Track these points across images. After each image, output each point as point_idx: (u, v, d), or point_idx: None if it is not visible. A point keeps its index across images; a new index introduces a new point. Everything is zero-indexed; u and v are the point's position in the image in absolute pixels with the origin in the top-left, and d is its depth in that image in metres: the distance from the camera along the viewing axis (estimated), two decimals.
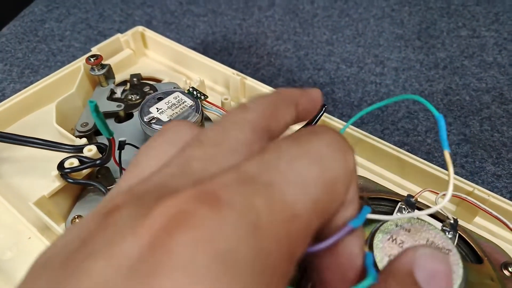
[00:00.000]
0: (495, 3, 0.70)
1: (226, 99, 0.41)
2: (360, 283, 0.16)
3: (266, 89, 0.42)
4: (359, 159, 0.39)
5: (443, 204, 0.20)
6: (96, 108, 0.22)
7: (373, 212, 0.31)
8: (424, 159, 0.36)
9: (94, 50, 0.45)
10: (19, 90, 0.41)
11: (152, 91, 0.43)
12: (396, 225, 0.26)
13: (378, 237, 0.25)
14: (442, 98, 0.53)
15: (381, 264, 0.24)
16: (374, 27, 0.65)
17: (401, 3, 0.71)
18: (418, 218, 0.27)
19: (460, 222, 0.33)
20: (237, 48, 0.62)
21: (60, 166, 0.30)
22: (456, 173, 0.43)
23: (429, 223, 0.26)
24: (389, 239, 0.25)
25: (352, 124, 0.38)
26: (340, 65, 0.58)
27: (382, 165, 0.38)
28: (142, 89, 0.43)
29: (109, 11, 0.70)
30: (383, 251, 0.24)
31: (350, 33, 0.64)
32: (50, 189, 0.31)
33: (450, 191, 0.19)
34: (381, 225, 0.26)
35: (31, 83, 0.45)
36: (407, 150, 0.38)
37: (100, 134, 0.39)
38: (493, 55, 0.60)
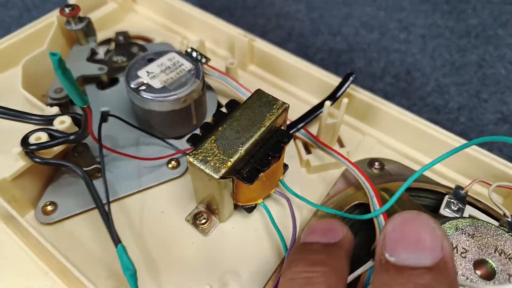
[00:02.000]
0: None
1: (231, 63, 0.34)
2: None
3: (279, 53, 0.35)
4: (391, 140, 0.32)
5: None
6: (61, 64, 0.15)
7: (413, 205, 0.25)
8: None
9: (71, 1, 0.38)
10: None
11: (141, 52, 0.36)
12: (457, 228, 0.20)
13: None
14: (475, 71, 0.46)
15: None
16: None
17: None
18: (479, 219, 0.21)
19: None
20: (241, 7, 0.54)
21: (24, 141, 0.24)
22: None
23: (496, 227, 0.20)
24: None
25: (378, 97, 0.32)
26: (359, 30, 0.51)
27: (417, 148, 0.32)
28: (130, 50, 0.36)
29: None
30: None
31: None
32: (13, 170, 0.24)
33: None
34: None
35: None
36: None
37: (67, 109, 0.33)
38: None
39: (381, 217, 0.23)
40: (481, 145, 0.29)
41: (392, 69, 0.46)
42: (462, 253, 0.19)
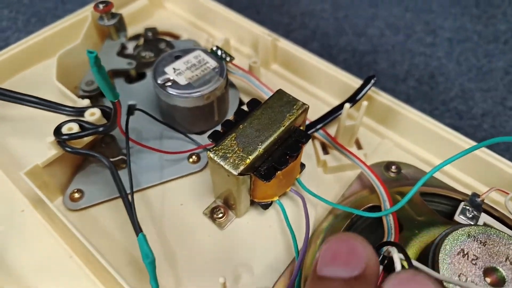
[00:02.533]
0: None
1: (255, 62, 0.35)
2: None
3: (301, 53, 0.36)
4: (409, 144, 0.33)
5: None
6: (96, 61, 0.17)
7: (431, 213, 0.25)
8: None
9: None
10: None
11: (168, 48, 0.37)
12: (469, 235, 0.20)
13: (445, 250, 0.20)
14: (502, 78, 0.46)
15: (449, 286, 0.18)
16: None
17: None
18: (492, 227, 0.21)
19: None
20: (267, 5, 0.55)
21: (57, 131, 0.25)
22: None
23: (509, 236, 0.20)
24: (459, 253, 0.20)
25: (398, 100, 0.32)
26: (384, 31, 0.51)
27: (435, 153, 0.32)
28: (158, 46, 0.37)
29: None
30: (452, 269, 0.19)
31: None
32: (45, 158, 0.26)
33: None
34: (448, 235, 0.20)
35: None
36: None
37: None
38: None
39: (391, 218, 0.24)
40: (500, 152, 0.29)
41: (415, 72, 0.46)
42: (472, 259, 0.19)
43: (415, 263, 0.18)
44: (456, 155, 0.23)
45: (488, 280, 0.19)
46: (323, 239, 0.26)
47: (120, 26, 0.36)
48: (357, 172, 0.31)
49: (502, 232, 0.20)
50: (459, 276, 0.19)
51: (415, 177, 0.29)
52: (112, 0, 0.36)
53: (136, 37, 0.39)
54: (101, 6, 0.33)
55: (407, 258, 0.19)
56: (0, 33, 0.50)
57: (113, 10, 0.35)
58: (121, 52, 0.36)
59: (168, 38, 0.39)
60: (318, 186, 0.29)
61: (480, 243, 0.20)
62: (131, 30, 0.40)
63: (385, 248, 0.21)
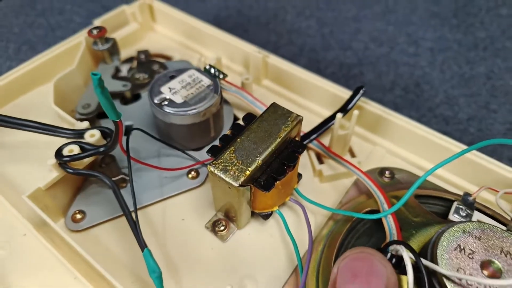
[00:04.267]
0: None
1: (247, 79, 0.36)
2: None
3: (291, 68, 0.37)
4: (400, 150, 0.34)
5: None
6: (100, 83, 0.17)
7: (426, 214, 0.26)
8: None
9: (97, 22, 0.40)
10: (15, 67, 0.37)
11: (162, 70, 0.38)
12: (464, 231, 0.21)
13: (443, 246, 0.20)
14: (484, 83, 0.47)
15: (448, 282, 0.19)
16: (406, 4, 0.59)
17: None
18: (485, 223, 0.22)
19: None
20: (254, 24, 0.57)
21: (58, 153, 0.25)
22: None
23: (502, 230, 0.21)
24: (456, 249, 0.20)
25: (388, 109, 0.33)
26: (368, 44, 0.53)
27: (425, 157, 0.33)
28: (151, 67, 0.38)
29: None
30: (451, 264, 0.20)
31: (379, 9, 0.58)
32: (47, 181, 0.26)
33: None
34: (444, 232, 0.21)
35: (28, 60, 0.40)
36: None
37: (105, 117, 0.35)
38: None
39: (391, 219, 0.25)
40: (489, 153, 0.30)
41: (401, 82, 0.47)
42: (469, 254, 0.20)
43: (423, 261, 0.19)
44: (449, 157, 0.24)
45: (486, 272, 0.20)
46: (324, 245, 0.26)
47: (114, 50, 0.37)
48: (352, 179, 0.32)
49: (495, 226, 0.21)
50: (457, 270, 0.19)
51: (408, 181, 0.30)
52: (104, 24, 0.38)
53: (129, 60, 0.40)
54: (95, 31, 0.34)
55: (415, 254, 0.19)
56: None
57: (106, 35, 0.36)
58: (116, 75, 0.37)
59: (160, 60, 0.40)
60: (315, 195, 0.30)
61: (475, 238, 0.21)
62: (124, 53, 0.41)
63: (392, 248, 0.21)
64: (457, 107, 0.44)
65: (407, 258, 0.19)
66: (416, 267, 0.20)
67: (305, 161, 0.33)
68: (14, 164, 0.32)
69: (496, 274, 0.20)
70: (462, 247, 0.20)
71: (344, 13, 0.58)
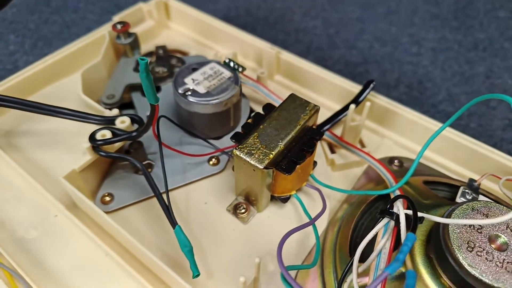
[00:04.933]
0: None
1: (262, 73, 0.38)
2: None
3: (303, 64, 0.39)
4: (407, 142, 0.36)
5: None
6: (146, 68, 0.19)
7: (435, 197, 0.28)
8: None
9: (115, 19, 0.42)
10: (32, 63, 0.38)
11: (180, 64, 0.40)
12: (473, 209, 0.23)
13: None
14: (483, 81, 0.50)
15: (459, 252, 0.21)
16: (408, 6, 0.62)
17: None
18: (492, 202, 0.24)
19: None
20: (262, 24, 0.59)
21: (92, 138, 0.27)
22: None
23: (508, 208, 0.23)
24: (465, 225, 0.22)
25: (395, 102, 0.35)
26: (373, 44, 0.55)
27: (431, 148, 0.35)
28: (169, 62, 0.40)
29: None
30: (461, 238, 0.22)
31: (382, 11, 0.61)
32: (81, 163, 0.28)
33: None
34: (454, 210, 0.23)
35: (45, 55, 0.42)
36: None
37: (127, 107, 0.36)
38: None
39: (399, 204, 0.26)
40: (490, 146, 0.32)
41: (405, 80, 0.50)
42: (478, 229, 0.22)
43: (420, 214, 0.21)
44: (432, 135, 0.26)
45: (493, 246, 0.22)
46: (340, 227, 0.28)
47: (135, 44, 0.39)
48: (362, 168, 0.34)
49: (501, 205, 0.23)
50: (467, 243, 0.21)
51: (420, 171, 0.32)
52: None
53: (148, 54, 0.41)
54: (119, 26, 0.36)
55: (413, 208, 0.21)
56: (8, 56, 0.52)
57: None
58: (137, 69, 0.38)
59: (178, 55, 0.42)
60: (328, 182, 0.32)
61: (483, 214, 0.23)
62: (142, 49, 0.42)
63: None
64: (458, 103, 0.47)
65: (402, 213, 0.21)
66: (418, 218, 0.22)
67: (318, 151, 0.34)
68: (44, 151, 0.33)
69: (503, 247, 0.22)
70: (471, 224, 0.22)
71: (349, 14, 0.60)
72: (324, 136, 0.35)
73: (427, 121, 0.34)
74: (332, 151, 0.35)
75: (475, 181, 0.29)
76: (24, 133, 0.35)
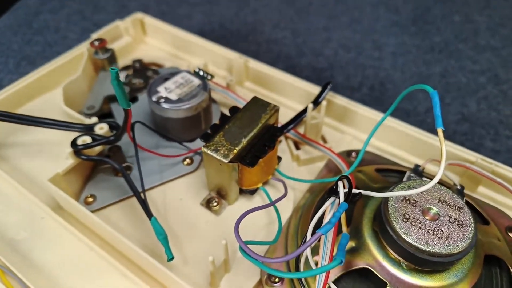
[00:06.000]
0: None
1: (231, 80, 0.42)
2: (326, 265, 0.18)
3: (268, 70, 0.43)
4: (361, 135, 0.39)
5: (440, 172, 0.21)
6: (117, 76, 0.22)
7: (384, 181, 0.31)
8: None
9: (94, 36, 0.45)
10: (16, 80, 0.41)
11: (155, 76, 0.43)
12: (409, 187, 0.26)
13: (392, 199, 0.26)
14: (439, 80, 0.54)
15: (396, 223, 0.24)
16: (370, 14, 0.66)
17: None
18: (426, 180, 0.27)
19: (465, 191, 0.34)
20: (235, 36, 0.62)
21: (74, 143, 0.30)
22: None
23: (439, 184, 0.27)
24: (402, 200, 0.26)
25: (352, 101, 0.39)
26: (338, 50, 0.59)
27: (385, 140, 0.39)
28: (145, 74, 0.43)
29: (104, 2, 0.69)
30: (398, 211, 0.25)
31: (347, 20, 0.65)
32: (64, 167, 0.31)
33: (442, 165, 0.22)
34: (393, 188, 0.26)
35: (28, 73, 0.45)
36: None
37: (106, 117, 0.39)
38: (486, 38, 0.62)
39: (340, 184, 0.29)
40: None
41: (367, 82, 0.54)
42: (413, 203, 0.25)
43: (356, 190, 0.25)
44: (376, 124, 0.30)
45: (427, 216, 0.25)
46: (302, 213, 0.31)
47: (112, 59, 0.42)
48: (324, 162, 0.37)
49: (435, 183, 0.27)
50: (403, 215, 0.25)
51: (371, 160, 0.36)
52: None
53: (125, 68, 0.45)
54: (96, 42, 0.39)
55: (350, 184, 0.24)
56: None
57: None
58: None
59: (153, 67, 0.45)
60: (294, 176, 0.35)
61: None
62: (120, 63, 0.45)
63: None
64: (416, 101, 0.51)
65: (341, 189, 0.24)
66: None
67: (284, 148, 0.38)
68: (29, 160, 0.36)
69: (435, 217, 0.25)
70: (407, 199, 0.26)
71: (315, 24, 0.64)
72: (289, 134, 0.38)
73: (380, 116, 0.38)
74: (297, 148, 0.38)
75: (419, 166, 0.32)
76: (10, 145, 0.37)
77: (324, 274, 0.23)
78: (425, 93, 0.52)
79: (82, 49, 0.42)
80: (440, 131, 0.23)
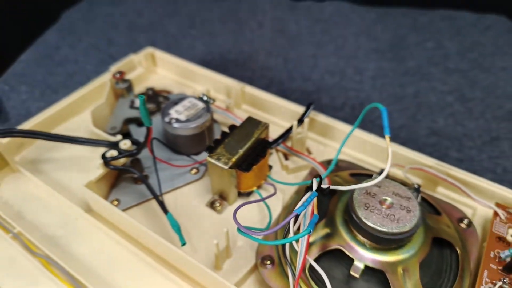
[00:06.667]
0: (456, 19, 0.81)
1: (230, 103, 0.49)
2: (299, 234, 0.25)
3: (262, 94, 0.50)
4: (344, 149, 0.46)
5: (387, 168, 0.29)
6: (144, 102, 0.30)
7: (353, 181, 0.38)
8: None
9: (113, 69, 0.53)
10: (43, 108, 0.48)
11: (166, 101, 0.51)
12: (367, 182, 0.33)
13: (357, 192, 0.33)
14: (411, 100, 0.62)
15: (359, 210, 0.31)
16: (352, 42, 0.75)
17: (374, 21, 0.81)
18: (387, 179, 0.34)
19: (424, 191, 0.41)
20: (233, 64, 0.71)
21: (103, 156, 0.37)
22: None
23: (395, 181, 0.34)
24: (364, 193, 0.33)
25: (332, 119, 0.47)
26: (324, 75, 0.67)
27: (361, 151, 0.46)
28: (157, 99, 0.51)
29: (117, 37, 0.78)
30: (361, 201, 0.32)
31: (332, 48, 0.74)
32: (96, 175, 0.38)
33: (389, 163, 0.30)
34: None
35: (52, 101, 0.52)
36: None
37: (126, 137, 0.47)
38: (455, 62, 0.70)
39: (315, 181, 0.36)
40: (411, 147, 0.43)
41: (349, 102, 0.61)
42: (373, 195, 0.32)
43: (325, 185, 0.32)
44: (346, 136, 0.37)
45: (384, 206, 0.32)
46: (289, 211, 0.38)
47: (129, 87, 0.50)
48: (308, 170, 0.44)
49: (391, 180, 0.34)
50: (365, 204, 0.32)
51: (348, 167, 0.43)
52: (116, 70, 0.51)
53: (140, 94, 0.52)
54: (118, 75, 0.47)
55: (320, 179, 0.31)
56: (22, 104, 0.62)
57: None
58: (132, 106, 0.49)
59: (163, 94, 0.53)
60: (282, 181, 0.42)
61: (377, 186, 0.33)
62: (135, 90, 0.53)
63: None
64: (391, 119, 0.58)
65: (315, 183, 0.31)
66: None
67: (275, 159, 0.45)
68: (62, 172, 0.43)
69: (390, 206, 0.32)
70: (368, 192, 0.33)
71: (305, 52, 0.73)
72: (279, 147, 0.45)
73: (357, 131, 0.45)
74: (286, 158, 0.45)
75: (384, 169, 0.39)
76: (45, 161, 0.45)
77: (303, 251, 0.29)
78: (400, 112, 0.59)
79: (104, 80, 0.50)
80: (387, 137, 0.30)
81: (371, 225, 0.30)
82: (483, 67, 0.68)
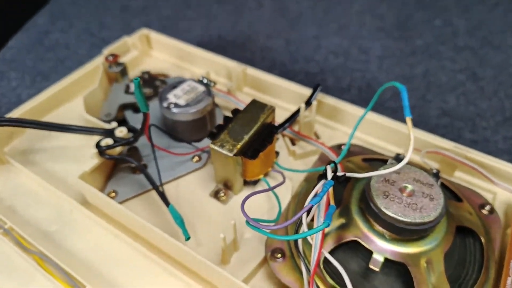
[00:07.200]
0: None
1: (231, 86, 0.46)
2: (316, 228, 0.23)
3: (265, 76, 0.47)
4: (358, 133, 0.44)
5: (409, 153, 0.26)
6: (139, 85, 0.27)
7: (370, 169, 0.36)
8: None
9: (106, 52, 0.50)
10: (34, 95, 0.45)
11: (163, 85, 0.48)
12: (385, 169, 0.31)
13: (374, 179, 0.30)
14: (421, 80, 0.59)
15: (378, 199, 0.29)
16: (356, 22, 0.71)
17: None
18: (407, 164, 0.32)
19: (442, 176, 0.38)
20: (231, 46, 0.67)
21: (98, 145, 0.35)
22: None
23: (414, 167, 0.31)
24: (382, 180, 0.30)
25: (341, 100, 0.44)
26: (328, 56, 0.64)
27: (373, 135, 0.43)
28: (154, 84, 0.48)
29: (109, 20, 0.74)
30: (379, 189, 0.29)
31: (335, 27, 0.70)
32: (90, 166, 0.35)
33: (411, 147, 0.27)
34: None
35: (43, 88, 0.49)
36: None
37: (121, 124, 0.44)
38: (464, 40, 0.67)
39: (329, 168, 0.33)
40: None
41: (355, 84, 0.58)
42: (392, 183, 0.30)
43: (341, 173, 0.29)
44: (358, 119, 0.34)
45: (403, 193, 0.29)
46: (299, 199, 0.36)
47: (124, 71, 0.47)
48: (317, 156, 0.42)
49: (411, 166, 0.31)
50: (384, 193, 0.29)
51: (359, 152, 0.40)
52: (110, 53, 0.47)
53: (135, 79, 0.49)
54: (110, 57, 0.44)
55: (335, 167, 0.29)
56: (12, 91, 0.59)
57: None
58: (127, 91, 0.46)
59: (160, 78, 0.50)
60: (291, 168, 0.39)
61: (396, 173, 0.31)
62: (130, 74, 0.50)
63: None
64: (400, 100, 0.55)
65: (329, 170, 0.28)
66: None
67: (282, 144, 0.42)
68: (55, 163, 0.40)
69: (410, 194, 0.29)
70: (387, 179, 0.30)
71: (307, 33, 0.69)
72: (285, 132, 0.43)
73: (368, 113, 0.42)
74: (293, 144, 0.43)
75: (400, 154, 0.37)
76: (37, 151, 0.42)
77: (319, 244, 0.27)
78: (409, 92, 0.57)
79: (96, 64, 0.47)
80: (408, 119, 0.28)
81: (392, 215, 0.28)
82: (493, 44, 0.65)
